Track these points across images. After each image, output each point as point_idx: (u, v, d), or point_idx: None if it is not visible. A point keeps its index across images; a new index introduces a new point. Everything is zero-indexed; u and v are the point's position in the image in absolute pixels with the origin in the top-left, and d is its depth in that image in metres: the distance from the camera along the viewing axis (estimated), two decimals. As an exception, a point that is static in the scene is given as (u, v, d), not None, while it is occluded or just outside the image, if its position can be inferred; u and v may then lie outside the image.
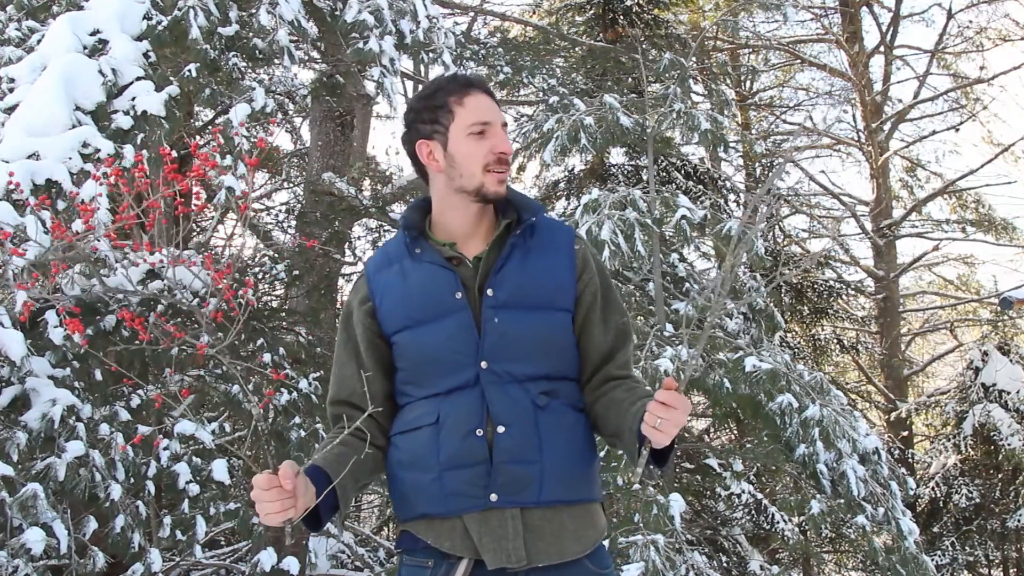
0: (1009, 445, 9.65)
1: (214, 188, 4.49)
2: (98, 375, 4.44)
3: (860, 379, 13.89)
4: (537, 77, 7.89)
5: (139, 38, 4.41)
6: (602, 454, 4.77)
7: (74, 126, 3.95)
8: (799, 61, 14.34)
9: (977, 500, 10.29)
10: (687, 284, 7.35)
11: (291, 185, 10.48)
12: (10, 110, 4.03)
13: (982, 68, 13.49)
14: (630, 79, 8.80)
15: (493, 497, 1.65)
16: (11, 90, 4.14)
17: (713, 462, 7.15)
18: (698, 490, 7.81)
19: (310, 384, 5.12)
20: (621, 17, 9.52)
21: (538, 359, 1.72)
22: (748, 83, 14.30)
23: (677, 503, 4.68)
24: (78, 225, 3.57)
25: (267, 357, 5.03)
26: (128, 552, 4.13)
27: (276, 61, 4.93)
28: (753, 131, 13.45)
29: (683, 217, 5.38)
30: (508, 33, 10.42)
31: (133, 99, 4.23)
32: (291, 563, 4.76)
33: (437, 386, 1.71)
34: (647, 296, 6.98)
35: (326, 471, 1.64)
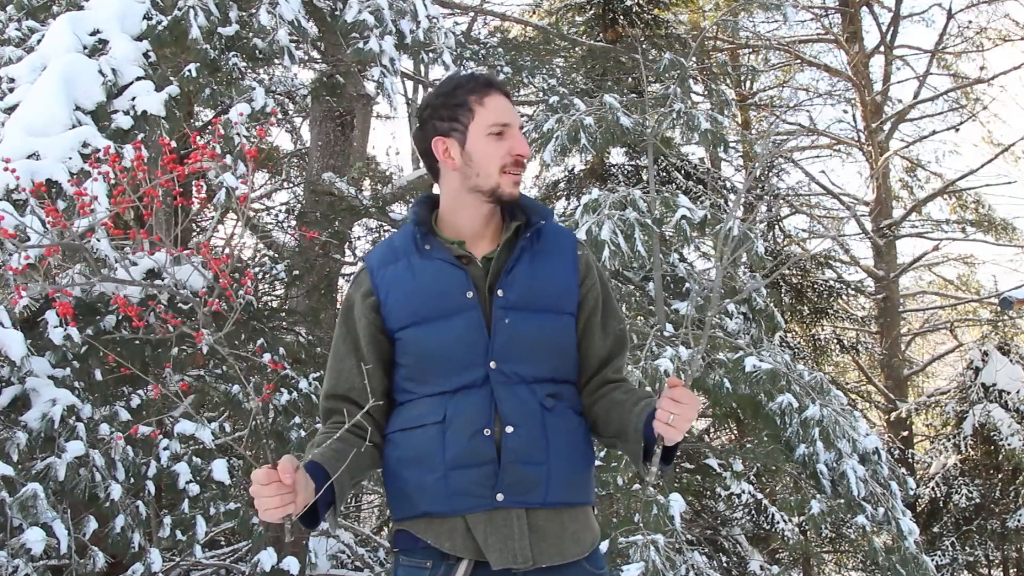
0: (1009, 445, 9.65)
1: (214, 188, 4.49)
2: (98, 375, 4.45)
3: (860, 379, 13.89)
4: (537, 77, 7.90)
5: (139, 38, 4.41)
6: (602, 454, 4.80)
7: (74, 126, 3.95)
8: (799, 61, 14.33)
9: (977, 500, 10.28)
10: (687, 284, 7.35)
11: (291, 185, 10.48)
12: (10, 110, 4.03)
13: (982, 68, 13.49)
14: (630, 79, 8.81)
15: (500, 497, 1.65)
16: (11, 90, 4.14)
17: (713, 462, 7.15)
18: (698, 490, 7.81)
19: (310, 384, 5.12)
20: (621, 17, 9.52)
21: (545, 361, 1.73)
22: (748, 83, 14.31)
23: (677, 503, 4.68)
24: (78, 225, 3.57)
25: (267, 357, 5.03)
26: (128, 552, 4.14)
27: (276, 61, 4.94)
28: (753, 131, 13.45)
29: (683, 217, 5.38)
30: (508, 33, 10.42)
31: (133, 99, 4.23)
32: (291, 563, 4.76)
33: (443, 384, 1.70)
34: (647, 296, 6.99)
35: (324, 467, 1.62)
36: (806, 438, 5.08)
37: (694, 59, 7.77)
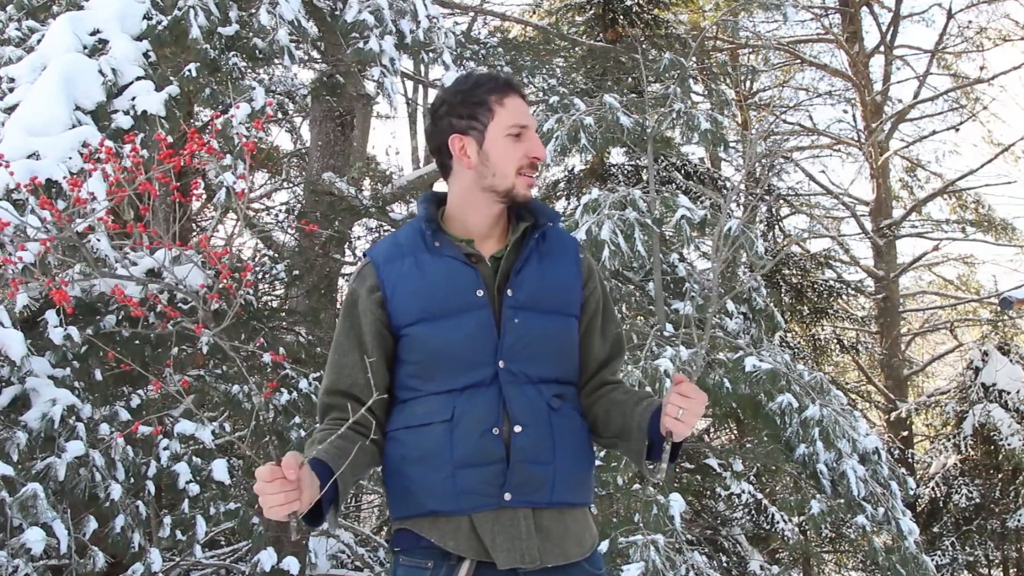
0: (1009, 445, 9.66)
1: (214, 188, 4.49)
2: (98, 375, 4.44)
3: (860, 379, 13.90)
4: (537, 77, 7.90)
5: (139, 38, 4.42)
6: (602, 454, 4.80)
7: (74, 126, 3.95)
8: (799, 61, 14.34)
9: (977, 500, 10.29)
10: (687, 284, 7.34)
11: (291, 185, 10.48)
12: (10, 110, 4.03)
13: (982, 68, 13.50)
14: (630, 79, 8.80)
15: (507, 496, 1.64)
16: (11, 90, 4.14)
17: (713, 462, 7.14)
18: (698, 490, 7.80)
19: (310, 384, 5.12)
20: (621, 17, 9.52)
21: (551, 362, 1.74)
22: (748, 83, 14.30)
23: (677, 503, 4.68)
24: (76, 222, 3.57)
25: (266, 358, 5.03)
26: (128, 552, 4.14)
27: (276, 61, 4.94)
28: (753, 131, 13.45)
29: (683, 217, 5.38)
30: (508, 33, 10.43)
31: (133, 99, 4.23)
32: (291, 563, 4.76)
33: (451, 382, 1.69)
34: (647, 296, 6.98)
35: (328, 464, 1.59)
36: (806, 438, 5.08)
37: (694, 59, 7.76)
